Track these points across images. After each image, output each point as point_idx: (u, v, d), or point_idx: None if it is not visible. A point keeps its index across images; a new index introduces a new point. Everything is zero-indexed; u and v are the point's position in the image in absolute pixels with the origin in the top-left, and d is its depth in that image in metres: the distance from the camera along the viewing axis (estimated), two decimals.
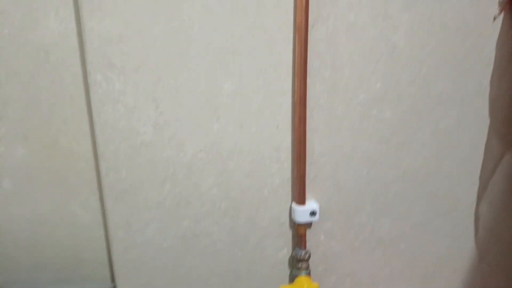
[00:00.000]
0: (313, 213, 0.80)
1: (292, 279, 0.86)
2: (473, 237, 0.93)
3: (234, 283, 0.87)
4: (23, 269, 0.97)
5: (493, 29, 0.78)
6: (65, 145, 0.89)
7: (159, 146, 0.75)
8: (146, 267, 0.83)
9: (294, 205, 0.81)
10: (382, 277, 0.92)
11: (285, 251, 0.86)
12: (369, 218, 0.86)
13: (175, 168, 0.77)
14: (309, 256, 0.84)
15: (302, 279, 0.83)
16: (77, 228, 0.95)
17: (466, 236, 0.92)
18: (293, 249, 0.85)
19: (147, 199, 0.78)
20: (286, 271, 0.88)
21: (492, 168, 0.88)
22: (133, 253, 0.81)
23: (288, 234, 0.85)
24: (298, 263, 0.83)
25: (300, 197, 0.80)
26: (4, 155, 0.88)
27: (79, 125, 0.88)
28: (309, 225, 0.84)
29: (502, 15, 0.77)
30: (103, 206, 0.92)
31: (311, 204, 0.81)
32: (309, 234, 0.85)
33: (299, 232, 0.82)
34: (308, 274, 0.85)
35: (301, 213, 0.80)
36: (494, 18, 0.77)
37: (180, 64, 0.71)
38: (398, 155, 0.82)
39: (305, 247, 0.84)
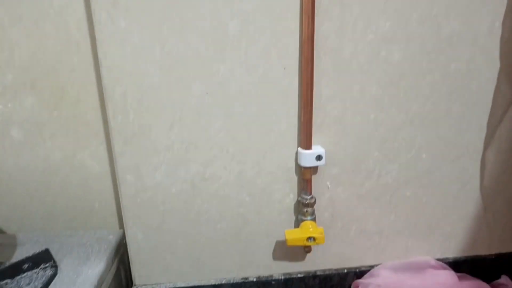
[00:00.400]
0: (319, 158, 0.81)
1: (297, 224, 0.87)
2: (479, 185, 0.93)
3: (242, 228, 0.88)
4: (36, 219, 0.99)
5: None
6: (73, 94, 0.89)
7: (167, 88, 0.75)
8: (155, 211, 0.84)
9: (301, 150, 0.81)
10: (387, 224, 0.93)
11: (291, 197, 0.87)
12: (376, 164, 0.87)
13: (182, 111, 0.77)
14: (315, 201, 0.85)
15: (307, 223, 0.84)
16: (87, 178, 0.96)
17: (472, 184, 0.92)
18: (299, 194, 0.86)
19: (156, 142, 0.79)
20: (292, 217, 0.89)
21: (501, 115, 0.87)
22: (142, 197, 0.83)
23: (295, 179, 0.86)
24: (303, 208, 0.84)
25: (306, 142, 0.80)
26: (12, 104, 0.88)
27: (86, 74, 0.88)
28: (315, 170, 0.85)
29: None
30: (111, 155, 0.93)
31: (318, 149, 0.81)
32: (315, 179, 0.85)
33: (305, 177, 0.82)
34: (314, 219, 0.86)
35: (307, 158, 0.80)
36: None
37: (185, 2, 0.70)
38: (406, 99, 0.82)
39: (310, 192, 0.84)
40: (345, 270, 0.95)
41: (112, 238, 0.88)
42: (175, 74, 0.74)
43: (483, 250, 0.99)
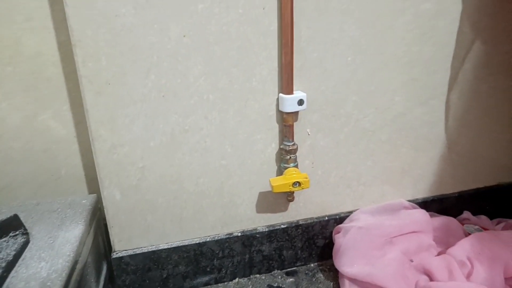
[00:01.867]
0: (300, 102, 0.80)
1: (280, 173, 0.87)
2: (444, 126, 0.98)
3: (225, 181, 0.86)
4: None
5: None
6: (30, 46, 0.81)
7: (142, 30, 0.70)
8: (133, 168, 0.79)
9: (282, 95, 0.80)
10: (365, 169, 0.95)
11: (273, 146, 0.86)
12: (354, 108, 0.88)
13: (159, 56, 0.73)
14: (297, 148, 0.85)
15: (291, 170, 0.84)
16: (50, 143, 0.88)
17: (440, 126, 0.98)
18: (281, 142, 0.85)
19: (131, 91, 0.74)
20: (274, 166, 0.88)
21: (463, 56, 0.92)
22: (118, 152, 0.77)
23: (276, 128, 0.85)
24: (286, 155, 0.84)
25: (288, 86, 0.79)
26: None
27: (43, 22, 0.80)
28: (296, 116, 0.84)
29: None
30: (76, 116, 0.86)
31: (299, 93, 0.81)
32: (297, 127, 0.85)
33: (287, 123, 0.82)
34: (296, 166, 0.86)
35: (289, 102, 0.80)
36: None
37: None
38: (383, 40, 0.83)
39: (293, 139, 0.84)
40: (326, 218, 0.97)
41: (86, 202, 0.82)
42: (151, 14, 0.69)
43: (448, 189, 1.05)
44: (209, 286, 0.94)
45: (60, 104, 0.85)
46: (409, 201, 1.01)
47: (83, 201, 0.82)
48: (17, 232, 0.69)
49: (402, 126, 0.94)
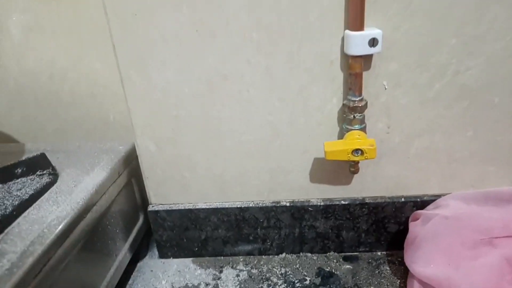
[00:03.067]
0: (373, 42, 0.60)
1: (341, 136, 0.69)
2: None
3: (272, 141, 0.72)
4: (48, 131, 0.90)
5: None
6: None
7: None
8: (168, 117, 0.70)
9: (349, 32, 0.61)
10: (461, 141, 0.71)
11: (334, 102, 0.68)
12: (451, 56, 0.64)
13: None
14: (366, 105, 0.66)
15: (354, 133, 0.66)
16: (98, 86, 0.84)
17: None
18: (345, 97, 0.67)
19: (161, 26, 0.63)
20: (335, 128, 0.71)
21: None
22: (151, 98, 0.69)
23: (339, 78, 0.66)
24: (350, 114, 0.65)
25: (356, 20, 0.60)
26: None
27: None
28: (367, 63, 0.64)
29: None
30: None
31: (372, 30, 0.60)
32: (367, 78, 0.66)
33: (354, 70, 0.63)
34: (363, 129, 0.67)
35: (358, 42, 0.60)
36: None
37: None
38: None
39: (360, 93, 0.65)
40: (402, 199, 0.76)
41: (122, 149, 0.77)
42: None
43: None
44: (252, 257, 0.84)
45: (104, 45, 0.79)
46: None
47: (120, 147, 0.77)
48: (44, 172, 0.67)
49: None
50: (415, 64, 0.65)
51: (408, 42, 0.63)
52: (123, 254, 0.72)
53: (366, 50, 0.60)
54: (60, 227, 0.53)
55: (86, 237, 0.60)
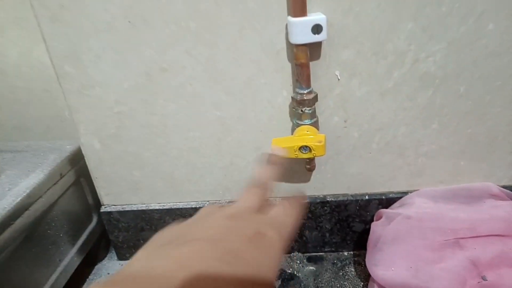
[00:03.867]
0: (317, 29, 0.54)
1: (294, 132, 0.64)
2: None
3: (222, 137, 0.67)
4: (7, 129, 0.87)
5: None
6: None
7: None
8: (109, 113, 0.66)
9: (290, 18, 0.55)
10: (426, 134, 0.66)
11: (285, 95, 0.63)
12: (410, 42, 0.58)
13: None
14: (315, 98, 0.60)
15: (303, 128, 0.61)
16: (53, 81, 0.80)
17: None
18: (294, 90, 0.62)
19: (93, 18, 0.58)
20: (288, 123, 0.66)
21: None
22: (89, 94, 0.64)
23: (287, 69, 0.61)
24: (298, 108, 0.60)
25: (297, 4, 0.54)
26: None
27: None
28: (316, 53, 0.59)
29: None
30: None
31: (314, 15, 0.55)
32: (319, 68, 0.60)
33: (299, 60, 0.57)
34: (314, 124, 0.62)
35: (299, 29, 0.55)
36: None
37: None
38: None
39: (308, 85, 0.60)
40: (366, 197, 0.72)
41: (69, 148, 0.73)
42: None
43: None
44: None
45: None
46: (504, 187, 0.69)
47: (67, 146, 0.74)
48: None
49: (496, 73, 0.60)
50: (370, 51, 0.59)
51: (361, 27, 0.57)
52: (69, 258, 0.69)
53: (310, 38, 0.55)
54: None
55: (15, 244, 0.57)
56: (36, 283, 0.61)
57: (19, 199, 0.58)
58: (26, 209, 0.59)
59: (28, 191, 0.60)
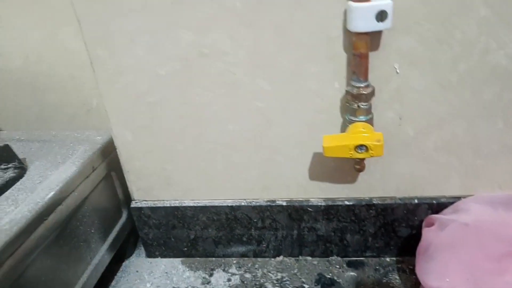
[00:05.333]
0: (381, 16, 0.49)
1: (345, 128, 0.58)
2: None
3: (263, 131, 0.62)
4: (31, 117, 0.84)
5: None
6: None
7: None
8: (142, 103, 0.62)
9: (351, 3, 0.49)
10: (490, 134, 0.59)
11: (337, 87, 0.58)
12: (481, 31, 0.52)
13: None
14: (373, 92, 0.55)
15: (358, 125, 0.55)
16: (77, 67, 0.76)
17: None
18: (348, 82, 0.56)
19: None
20: (338, 118, 0.60)
21: None
22: (121, 82, 0.60)
23: (342, 58, 0.55)
24: (353, 102, 0.55)
25: None
26: None
27: None
28: (375, 41, 0.53)
29: None
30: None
31: (380, 0, 0.49)
32: (376, 59, 0.54)
33: (358, 50, 0.52)
34: (370, 121, 0.56)
35: (362, 16, 0.49)
36: None
37: None
38: None
39: (366, 78, 0.54)
40: (415, 201, 0.66)
41: (100, 140, 0.69)
42: None
43: None
44: (246, 258, 0.76)
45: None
46: None
47: (97, 137, 0.69)
48: (9, 165, 0.60)
49: None
50: (435, 39, 0.53)
51: (428, 11, 0.51)
52: (100, 256, 0.65)
53: (373, 25, 0.49)
54: (12, 233, 0.46)
55: (48, 242, 0.53)
56: (67, 283, 0.57)
57: (52, 193, 0.54)
58: (59, 204, 0.55)
59: (61, 184, 0.56)
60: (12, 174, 0.59)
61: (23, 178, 0.59)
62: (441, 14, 0.51)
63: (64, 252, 0.57)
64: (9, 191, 0.56)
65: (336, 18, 0.53)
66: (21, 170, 0.61)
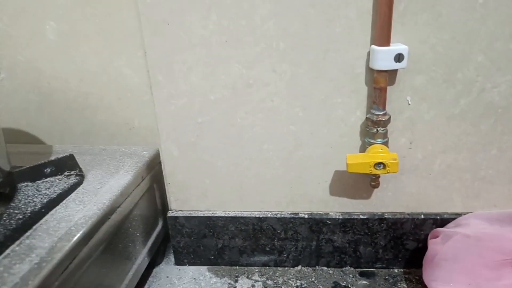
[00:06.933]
0: (399, 58, 0.60)
1: (364, 150, 0.69)
2: None
3: (293, 151, 0.72)
4: (76, 133, 0.92)
5: None
6: None
7: None
8: (192, 123, 0.71)
9: (374, 47, 0.61)
10: (486, 159, 0.70)
11: (358, 115, 0.68)
12: (478, 73, 0.64)
13: None
14: (389, 120, 0.66)
15: (376, 147, 0.66)
16: (126, 90, 0.86)
17: None
18: (368, 111, 0.67)
19: (190, 33, 0.65)
20: (358, 141, 0.71)
21: None
22: (176, 104, 0.70)
23: (364, 91, 0.67)
24: (373, 128, 0.65)
25: (383, 35, 0.60)
26: None
27: None
28: (392, 79, 0.65)
29: None
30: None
31: (398, 46, 0.61)
32: (393, 93, 0.66)
33: (379, 84, 0.63)
34: (385, 143, 0.67)
35: (383, 57, 0.61)
36: None
37: None
38: None
39: (384, 107, 0.65)
40: (422, 216, 0.75)
41: (146, 154, 0.78)
42: None
43: None
44: (267, 268, 0.83)
45: (134, 50, 0.81)
46: None
47: (144, 152, 0.79)
48: (72, 172, 0.68)
49: None
50: (441, 79, 0.65)
51: (435, 56, 0.63)
52: (141, 258, 0.72)
53: (392, 65, 0.61)
54: (87, 226, 0.54)
55: (109, 238, 0.61)
56: (117, 278, 0.65)
57: (114, 195, 0.62)
58: (118, 206, 0.63)
59: (121, 189, 0.64)
60: (74, 180, 0.67)
61: (84, 184, 0.68)
62: (446, 59, 0.63)
63: (118, 250, 0.65)
64: (74, 194, 0.64)
65: (360, 58, 0.64)
66: (81, 177, 0.69)
